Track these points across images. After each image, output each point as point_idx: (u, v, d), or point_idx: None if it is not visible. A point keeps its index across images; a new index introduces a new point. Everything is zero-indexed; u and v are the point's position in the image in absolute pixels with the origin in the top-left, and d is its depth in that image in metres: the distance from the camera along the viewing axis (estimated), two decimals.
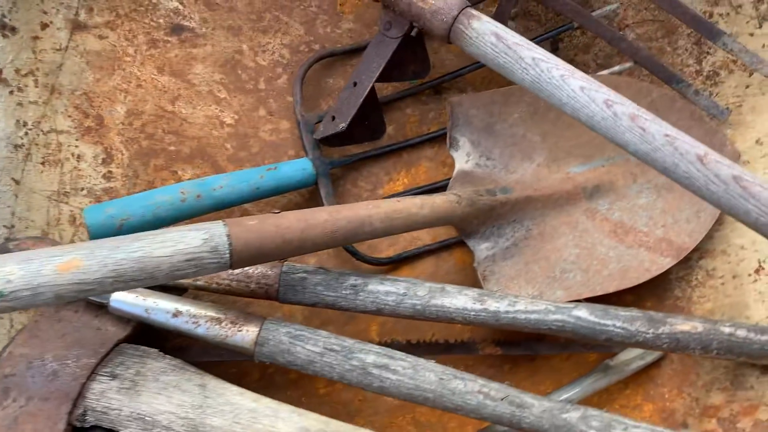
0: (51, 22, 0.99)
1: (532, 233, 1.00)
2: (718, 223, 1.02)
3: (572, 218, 1.01)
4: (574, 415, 0.78)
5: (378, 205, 0.85)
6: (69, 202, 0.99)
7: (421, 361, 0.82)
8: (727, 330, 0.85)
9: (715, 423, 0.95)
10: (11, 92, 0.97)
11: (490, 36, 0.83)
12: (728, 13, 1.04)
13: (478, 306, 0.86)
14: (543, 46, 1.02)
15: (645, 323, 0.85)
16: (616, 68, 1.04)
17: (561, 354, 1.04)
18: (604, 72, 1.04)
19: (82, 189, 0.99)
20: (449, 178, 1.00)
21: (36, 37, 0.99)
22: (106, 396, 0.77)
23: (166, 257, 0.70)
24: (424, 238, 1.06)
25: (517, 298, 0.87)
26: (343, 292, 0.86)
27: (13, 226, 0.96)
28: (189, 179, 1.00)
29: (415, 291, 0.86)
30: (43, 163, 0.99)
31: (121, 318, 0.86)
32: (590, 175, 1.03)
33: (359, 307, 0.87)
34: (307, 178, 0.98)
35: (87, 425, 0.77)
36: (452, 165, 1.01)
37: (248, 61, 1.05)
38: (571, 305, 0.86)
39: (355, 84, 0.97)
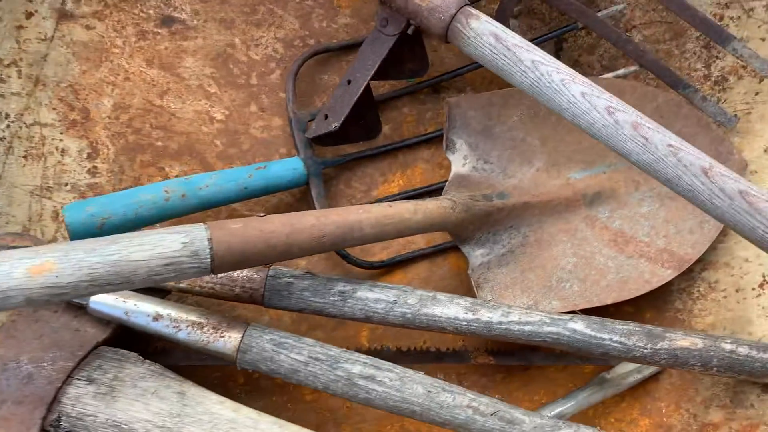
0: (36, 11, 0.97)
1: (528, 240, 0.98)
2: (722, 234, 0.99)
3: (571, 226, 0.99)
4: None
5: (368, 209, 0.82)
6: (52, 197, 0.97)
7: (409, 372, 0.80)
8: (728, 347, 0.83)
9: None
10: None
11: (489, 36, 0.80)
12: (739, 17, 1.01)
13: (470, 316, 0.84)
14: (546, 46, 1.01)
15: (643, 338, 0.83)
16: (621, 71, 1.02)
17: (556, 364, 1.01)
18: (608, 75, 1.01)
19: (66, 184, 0.97)
20: (445, 181, 0.98)
21: (20, 26, 0.96)
22: (82, 401, 0.76)
23: (144, 261, 0.68)
24: (419, 241, 1.03)
25: (510, 309, 0.84)
26: (331, 298, 0.84)
27: None
28: (176, 176, 0.99)
29: (406, 299, 0.84)
30: (25, 157, 0.97)
31: (102, 319, 0.84)
32: (591, 182, 1.00)
33: (347, 315, 0.85)
34: (298, 178, 0.95)
35: (61, 431, 0.75)
36: (449, 167, 0.98)
37: (240, 55, 1.02)
38: (567, 317, 0.84)
39: (349, 82, 0.95)
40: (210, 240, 0.70)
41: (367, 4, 1.04)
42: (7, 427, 0.73)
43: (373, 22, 1.02)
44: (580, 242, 0.98)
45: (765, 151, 1.00)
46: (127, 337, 0.86)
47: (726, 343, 0.83)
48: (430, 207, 0.88)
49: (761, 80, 1.01)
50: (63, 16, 0.98)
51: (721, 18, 1.02)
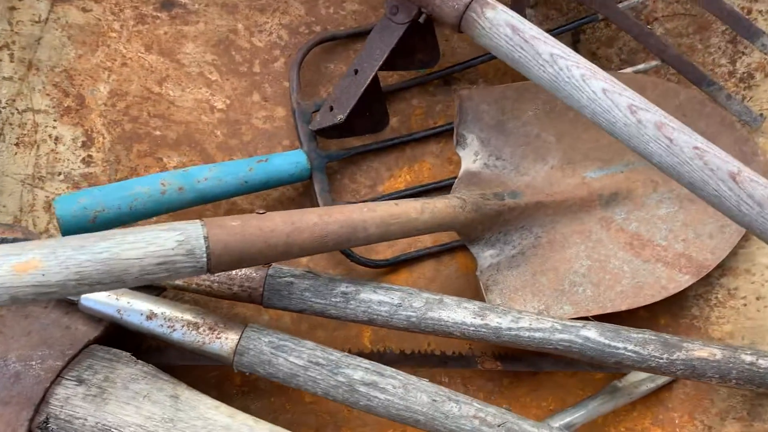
0: None
1: (540, 241, 0.94)
2: (743, 239, 0.96)
3: (585, 227, 0.95)
4: None
5: (374, 208, 0.78)
6: (44, 187, 0.94)
7: (413, 379, 0.77)
8: (748, 358, 0.80)
9: None
10: None
11: (506, 27, 0.76)
12: None
13: (478, 321, 0.80)
14: (563, 38, 0.96)
15: (659, 347, 0.79)
16: (641, 66, 0.98)
17: (565, 371, 0.98)
18: (628, 70, 0.97)
19: (59, 174, 0.94)
20: (454, 177, 0.94)
21: (13, 8, 0.94)
22: (71, 403, 0.73)
23: (136, 260, 0.65)
24: (425, 240, 1.00)
25: (521, 314, 0.81)
26: (333, 299, 0.81)
27: None
28: (174, 167, 0.96)
29: (411, 302, 0.81)
30: (17, 145, 0.94)
31: (93, 316, 0.81)
32: (607, 181, 0.96)
33: (350, 317, 0.82)
34: (300, 172, 0.92)
35: None
36: (458, 162, 0.95)
37: (243, 41, 0.98)
38: (580, 324, 0.80)
39: (356, 72, 0.91)
40: (206, 238, 0.67)
41: None
42: None
43: (382, 9, 0.98)
44: (594, 245, 0.94)
45: None
46: (120, 334, 0.83)
47: (746, 354, 0.79)
48: (438, 206, 0.84)
49: None
50: None
51: (750, 11, 0.97)
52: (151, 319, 0.79)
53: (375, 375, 0.77)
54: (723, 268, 0.96)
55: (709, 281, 0.97)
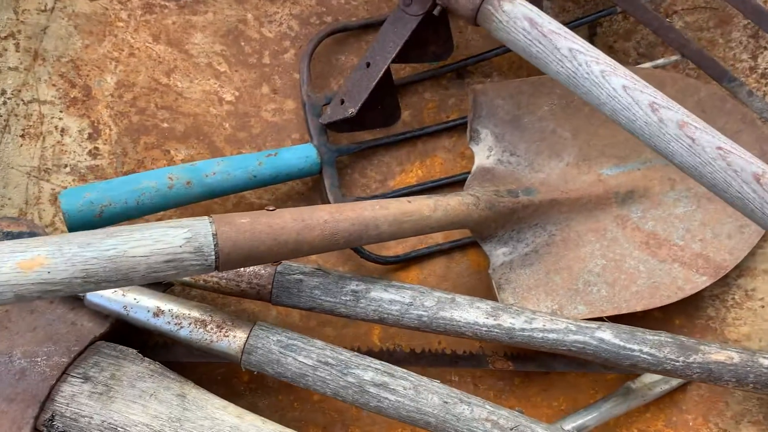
0: None
1: (555, 239, 0.92)
2: (763, 239, 0.94)
3: (600, 225, 0.93)
4: None
5: (386, 206, 0.77)
6: (50, 179, 0.92)
7: (425, 380, 0.75)
8: (766, 362, 0.78)
9: None
10: None
11: (523, 21, 0.74)
12: None
13: (491, 321, 0.79)
14: (579, 31, 0.94)
15: (675, 350, 0.78)
16: (660, 61, 0.96)
17: (578, 371, 0.97)
18: (647, 65, 0.95)
19: (65, 166, 0.92)
20: (467, 172, 0.93)
21: None
22: (77, 401, 0.72)
23: (143, 257, 0.64)
24: (436, 236, 0.98)
25: (534, 315, 0.79)
26: (343, 297, 0.79)
27: None
28: (182, 160, 0.94)
29: (422, 301, 0.79)
30: (23, 136, 0.92)
31: (100, 312, 0.80)
32: (624, 179, 0.94)
33: (360, 315, 0.80)
34: (310, 167, 0.90)
35: (54, 431, 0.71)
36: (471, 157, 0.93)
37: (253, 32, 0.96)
38: (594, 325, 0.79)
39: (368, 64, 0.89)
40: (215, 236, 0.66)
41: None
42: None
43: (395, 0, 0.95)
44: (609, 243, 0.92)
45: None
46: (127, 330, 0.81)
47: (764, 358, 0.78)
48: (451, 204, 0.82)
49: None
50: None
51: None
52: (158, 316, 0.78)
53: (385, 376, 0.75)
54: (740, 268, 0.95)
55: (725, 282, 0.96)
